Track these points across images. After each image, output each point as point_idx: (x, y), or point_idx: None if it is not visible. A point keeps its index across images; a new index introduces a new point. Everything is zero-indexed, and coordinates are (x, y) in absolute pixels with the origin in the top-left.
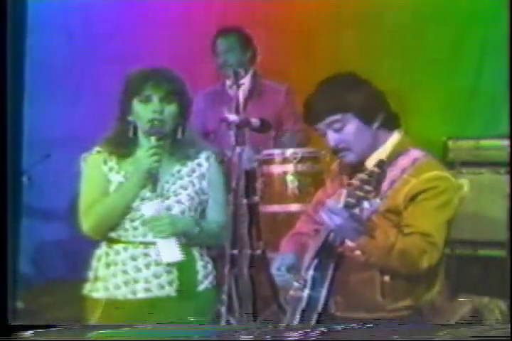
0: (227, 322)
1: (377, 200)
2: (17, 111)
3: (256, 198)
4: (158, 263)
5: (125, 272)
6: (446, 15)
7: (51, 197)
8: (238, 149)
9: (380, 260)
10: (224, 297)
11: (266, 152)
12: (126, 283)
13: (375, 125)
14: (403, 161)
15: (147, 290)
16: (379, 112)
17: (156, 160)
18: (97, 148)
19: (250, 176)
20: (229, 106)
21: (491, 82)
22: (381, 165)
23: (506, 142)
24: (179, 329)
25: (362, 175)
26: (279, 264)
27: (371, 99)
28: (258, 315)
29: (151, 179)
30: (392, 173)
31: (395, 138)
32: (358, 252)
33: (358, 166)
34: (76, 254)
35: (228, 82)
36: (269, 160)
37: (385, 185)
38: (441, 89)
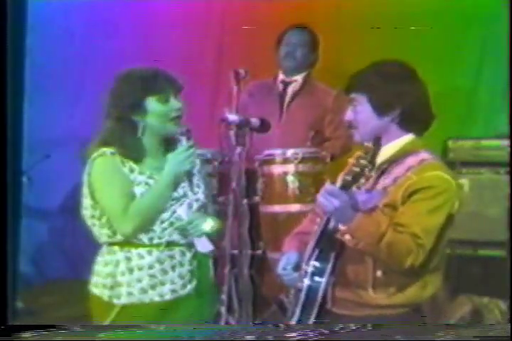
0: (227, 322)
1: (378, 192)
2: (17, 111)
3: (256, 198)
4: (182, 264)
5: (152, 276)
6: (447, 15)
7: (51, 197)
8: (238, 149)
9: (368, 247)
10: (224, 297)
11: (267, 152)
12: (153, 287)
13: (386, 118)
14: (411, 160)
15: (173, 291)
16: (393, 108)
17: (194, 159)
18: (110, 150)
19: (251, 176)
20: (274, 101)
21: (491, 82)
22: (376, 141)
23: (506, 142)
24: (181, 329)
25: (358, 152)
26: (284, 264)
27: (389, 94)
28: (258, 315)
29: (187, 178)
30: (397, 170)
31: (406, 137)
32: (348, 236)
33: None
34: (76, 254)
35: (281, 76)
36: (269, 161)
37: (388, 181)
38: (442, 89)
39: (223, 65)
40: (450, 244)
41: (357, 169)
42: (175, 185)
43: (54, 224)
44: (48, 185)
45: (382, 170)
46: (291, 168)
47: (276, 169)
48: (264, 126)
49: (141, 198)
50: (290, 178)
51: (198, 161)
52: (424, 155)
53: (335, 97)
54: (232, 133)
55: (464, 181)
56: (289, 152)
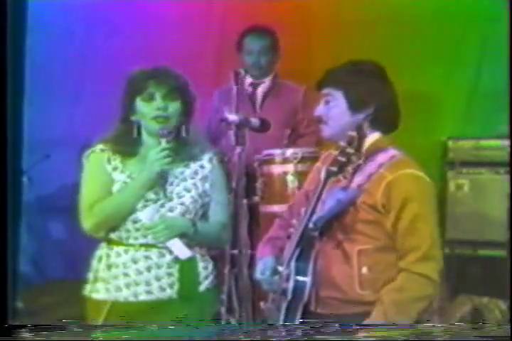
0: (227, 322)
1: (355, 190)
2: (17, 111)
3: (256, 198)
4: (159, 266)
5: (126, 274)
6: (447, 15)
7: (51, 197)
8: (238, 149)
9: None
10: (224, 297)
11: (266, 152)
12: (127, 286)
13: (360, 116)
14: (381, 157)
15: (148, 292)
16: (368, 106)
17: (167, 162)
18: (101, 146)
19: (250, 176)
20: (242, 105)
21: (491, 82)
22: (358, 129)
23: (506, 142)
24: (180, 330)
25: (341, 143)
26: (262, 269)
27: (365, 91)
28: (257, 315)
29: (161, 181)
30: (370, 168)
31: (376, 135)
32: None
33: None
34: (76, 254)
35: (249, 79)
36: (269, 160)
37: (362, 179)
38: (442, 89)
39: (223, 65)
40: (450, 244)
41: (343, 158)
42: (148, 186)
43: (54, 224)
44: (48, 185)
45: (356, 168)
46: (290, 167)
47: (276, 169)
48: (264, 126)
49: (111, 196)
50: (290, 178)
51: (205, 164)
52: (393, 151)
53: (304, 94)
54: (231, 133)
55: (464, 181)
56: (288, 152)
